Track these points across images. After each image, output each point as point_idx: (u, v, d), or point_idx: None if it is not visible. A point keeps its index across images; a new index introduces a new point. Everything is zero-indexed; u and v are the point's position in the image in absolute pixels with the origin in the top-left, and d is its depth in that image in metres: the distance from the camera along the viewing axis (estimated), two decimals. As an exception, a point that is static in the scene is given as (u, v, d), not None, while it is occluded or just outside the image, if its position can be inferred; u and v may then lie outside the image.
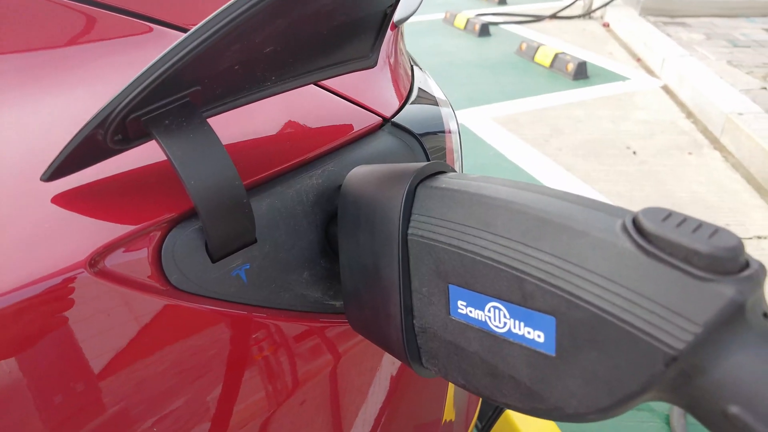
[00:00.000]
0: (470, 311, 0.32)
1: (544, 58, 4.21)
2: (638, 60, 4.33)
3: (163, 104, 0.35)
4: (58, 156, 0.34)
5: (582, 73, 3.90)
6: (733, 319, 0.22)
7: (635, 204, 2.44)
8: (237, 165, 0.41)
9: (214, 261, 0.39)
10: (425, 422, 0.65)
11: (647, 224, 0.24)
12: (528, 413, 0.30)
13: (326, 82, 0.52)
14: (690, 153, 2.90)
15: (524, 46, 4.47)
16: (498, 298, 0.30)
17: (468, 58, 4.54)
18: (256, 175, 0.42)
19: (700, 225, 0.24)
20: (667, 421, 1.46)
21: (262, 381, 0.43)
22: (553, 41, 4.78)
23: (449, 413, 0.70)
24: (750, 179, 2.63)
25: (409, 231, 0.35)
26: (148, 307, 0.37)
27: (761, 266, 0.23)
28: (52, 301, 0.34)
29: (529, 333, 0.29)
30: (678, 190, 2.56)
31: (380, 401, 0.55)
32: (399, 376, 0.57)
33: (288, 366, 0.44)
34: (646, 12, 5.02)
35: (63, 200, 0.37)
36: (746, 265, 0.23)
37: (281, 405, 0.45)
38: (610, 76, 3.97)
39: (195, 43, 0.31)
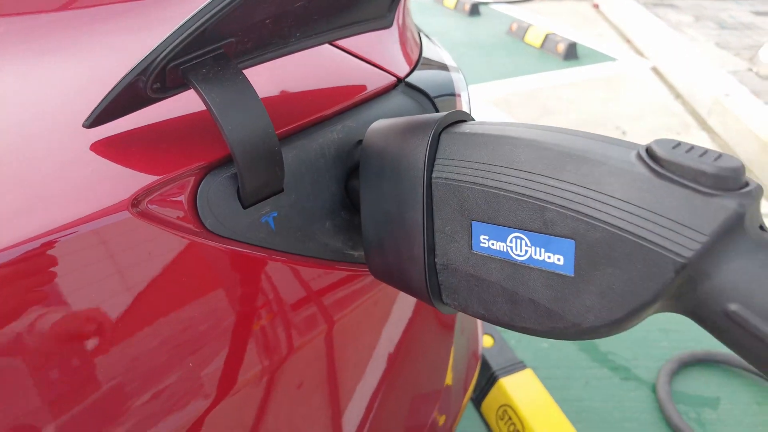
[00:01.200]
0: (492, 243, 0.35)
1: (534, 38, 4.23)
2: (628, 41, 4.36)
3: (200, 54, 0.37)
4: (99, 103, 0.36)
5: (572, 53, 3.93)
6: (734, 228, 0.25)
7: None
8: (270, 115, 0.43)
9: (245, 207, 0.42)
10: (428, 386, 0.69)
11: (659, 151, 0.27)
12: (544, 335, 0.33)
13: (341, 43, 0.54)
14: (678, 134, 2.96)
15: (515, 26, 4.48)
16: (520, 228, 0.33)
17: (459, 38, 4.54)
18: (283, 127, 0.44)
19: (705, 151, 0.27)
20: (653, 389, 1.52)
21: (284, 323, 0.46)
22: (544, 21, 4.79)
23: (448, 378, 0.73)
24: (735, 158, 2.69)
25: (434, 175, 0.37)
26: (186, 248, 0.39)
27: (758, 186, 0.26)
28: (98, 238, 0.36)
29: (549, 258, 0.31)
30: (665, 168, 2.61)
31: (386, 360, 0.58)
32: (408, 337, 0.60)
33: (308, 309, 0.47)
34: (636, -7, 5.04)
35: (105, 147, 0.38)
36: (746, 183, 0.26)
37: (302, 347, 0.47)
38: (600, 57, 4.00)
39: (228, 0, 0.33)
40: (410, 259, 0.41)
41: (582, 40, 4.30)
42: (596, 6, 5.32)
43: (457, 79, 0.62)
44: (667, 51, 3.69)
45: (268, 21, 0.39)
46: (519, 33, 4.40)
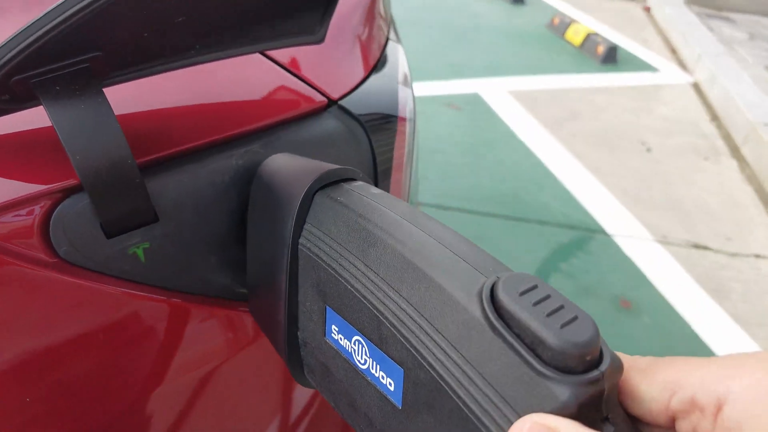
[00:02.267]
0: (340, 338, 0.30)
1: (574, 36, 4.04)
2: (673, 51, 4.14)
3: (55, 68, 0.32)
4: None
5: (611, 57, 3.75)
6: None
7: (638, 203, 2.38)
8: (145, 137, 0.38)
9: (108, 237, 0.37)
10: None
11: (502, 295, 0.22)
12: None
13: (273, 52, 0.48)
14: (706, 158, 2.81)
15: (557, 20, 4.29)
16: (362, 333, 0.28)
17: (496, 24, 4.37)
18: (167, 149, 0.39)
19: (561, 307, 0.21)
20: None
21: (153, 362, 0.42)
22: (588, 19, 4.57)
23: None
24: (762, 194, 2.55)
25: (300, 240, 0.33)
26: (33, 281, 0.35)
27: (614, 364, 0.21)
28: None
29: (383, 378, 0.27)
30: (685, 194, 2.49)
31: (281, 404, 0.54)
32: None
33: (181, 350, 0.43)
34: (692, 1, 4.77)
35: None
36: (597, 362, 0.21)
37: (171, 383, 0.44)
38: (639, 65, 3.81)
39: (74, 9, 0.28)
40: (276, 322, 0.36)
41: (624, 43, 4.09)
42: (647, 9, 5.06)
43: (404, 98, 0.56)
44: (712, 68, 3.49)
45: (146, 35, 0.34)
46: (560, 28, 4.22)
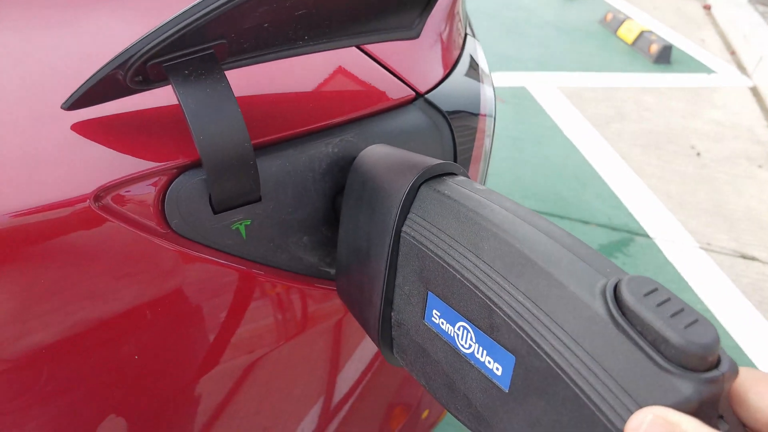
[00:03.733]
0: (442, 323, 0.32)
1: (627, 33, 3.93)
2: (732, 53, 3.98)
3: (185, 53, 0.35)
4: (78, 89, 0.35)
5: (665, 57, 3.63)
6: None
7: (684, 208, 2.33)
8: (254, 121, 0.41)
9: (215, 212, 0.40)
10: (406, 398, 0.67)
11: (627, 295, 0.23)
12: None
13: (367, 46, 0.50)
14: (760, 166, 2.72)
15: (610, 16, 4.17)
16: (469, 320, 0.30)
17: (547, 18, 4.28)
18: (271, 134, 0.42)
19: (681, 310, 0.22)
20: None
21: (248, 331, 0.45)
22: (643, 16, 4.43)
23: None
24: (816, 207, 2.46)
25: (404, 228, 0.35)
26: (146, 248, 0.38)
27: (731, 368, 0.22)
28: (54, 228, 0.35)
29: (489, 362, 0.29)
30: (734, 203, 2.42)
31: (362, 368, 0.57)
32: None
33: (273, 321, 0.46)
34: (758, 0, 4.56)
35: (81, 130, 0.38)
36: (716, 364, 0.22)
37: (265, 355, 0.47)
38: (694, 66, 3.68)
39: (219, 2, 0.30)
40: (369, 302, 0.38)
41: (680, 43, 3.96)
42: (707, 7, 4.86)
43: (485, 95, 0.58)
44: (773, 72, 3.34)
45: (266, 25, 0.36)
46: (612, 24, 4.10)
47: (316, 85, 0.46)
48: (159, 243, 0.39)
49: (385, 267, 0.36)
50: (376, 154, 0.40)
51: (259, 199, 0.42)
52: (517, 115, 2.88)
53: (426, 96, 0.51)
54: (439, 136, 0.51)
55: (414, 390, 0.69)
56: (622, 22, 4.01)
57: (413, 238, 0.34)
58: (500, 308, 0.27)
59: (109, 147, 0.37)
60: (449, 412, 0.33)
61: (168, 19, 0.31)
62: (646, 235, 2.16)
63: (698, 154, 2.74)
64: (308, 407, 0.54)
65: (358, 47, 0.49)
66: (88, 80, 0.34)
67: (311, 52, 0.42)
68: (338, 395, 0.56)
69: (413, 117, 0.50)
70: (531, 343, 0.26)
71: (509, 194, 2.23)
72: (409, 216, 0.35)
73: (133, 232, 0.38)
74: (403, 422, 0.68)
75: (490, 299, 0.28)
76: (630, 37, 3.88)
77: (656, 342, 0.22)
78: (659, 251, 2.08)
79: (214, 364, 0.44)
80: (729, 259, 2.09)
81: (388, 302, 0.37)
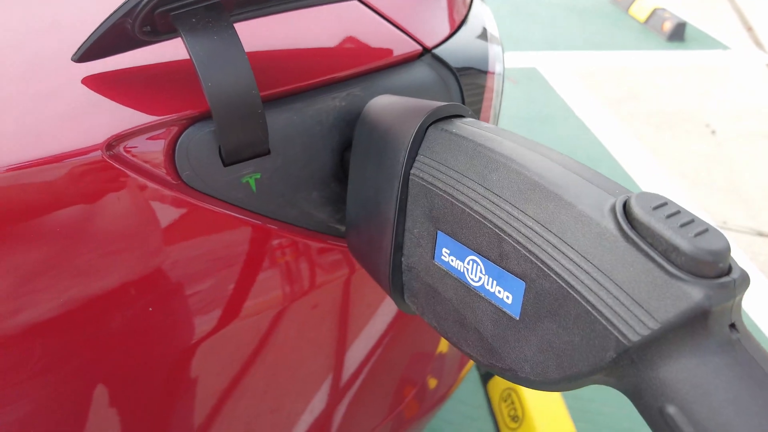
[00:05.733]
0: (452, 260, 0.32)
1: (639, 11, 3.86)
2: (749, 29, 3.89)
3: (193, 2, 0.35)
4: (87, 39, 0.35)
5: (679, 34, 3.56)
6: (693, 322, 0.21)
7: (698, 187, 2.30)
8: (261, 74, 0.41)
9: (225, 165, 0.41)
10: (421, 351, 0.68)
11: (636, 209, 0.23)
12: (486, 368, 0.31)
13: (375, 3, 0.50)
14: (776, 143, 2.66)
15: (622, -6, 4.10)
16: (478, 252, 0.30)
17: (558, -2, 4.22)
18: (278, 87, 0.42)
19: (691, 221, 0.22)
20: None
21: (256, 289, 0.45)
22: (657, -6, 4.34)
23: (443, 345, 0.72)
24: (836, 183, 2.41)
25: (412, 171, 0.35)
26: (157, 198, 0.39)
27: (743, 276, 0.22)
28: (66, 178, 0.36)
29: (499, 292, 0.29)
30: (750, 181, 2.38)
31: (379, 329, 0.58)
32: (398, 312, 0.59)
33: (282, 278, 0.46)
34: (773, -25, 4.44)
35: (92, 82, 0.38)
36: (727, 271, 0.22)
37: (274, 316, 0.47)
38: (709, 43, 3.61)
39: None
40: (379, 250, 0.38)
41: (694, 20, 3.88)
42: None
43: (494, 53, 0.57)
44: (790, 48, 3.26)
45: (272, -28, 0.36)
46: (624, 2, 4.03)
47: (321, 40, 0.46)
48: (170, 194, 0.39)
49: (394, 212, 0.36)
50: (382, 103, 0.40)
51: (268, 152, 0.42)
52: (528, 95, 2.85)
53: (433, 51, 0.50)
54: (446, 92, 0.50)
55: (423, 365, 0.69)
56: (634, 0, 3.94)
57: (422, 179, 0.34)
58: (509, 235, 0.27)
59: (119, 99, 0.38)
60: (460, 350, 0.33)
61: None
62: (661, 214, 2.13)
63: (713, 132, 2.70)
64: (317, 382, 0.54)
65: (362, 1, 0.49)
66: (96, 30, 0.34)
67: (316, 4, 0.42)
68: (348, 368, 0.56)
69: (420, 72, 0.49)
70: (541, 265, 0.25)
71: (520, 174, 2.21)
72: (417, 158, 0.35)
73: (145, 182, 0.38)
74: (412, 393, 0.68)
75: (499, 228, 0.28)
76: (642, 15, 3.81)
77: (667, 252, 0.22)
78: (674, 229, 2.05)
79: (222, 324, 0.45)
80: (746, 238, 2.06)
81: (398, 247, 0.37)
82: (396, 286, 0.38)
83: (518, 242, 0.27)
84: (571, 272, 0.24)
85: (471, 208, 0.29)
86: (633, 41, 3.58)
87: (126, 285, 0.39)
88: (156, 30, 0.36)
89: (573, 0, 4.20)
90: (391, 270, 0.37)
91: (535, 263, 0.26)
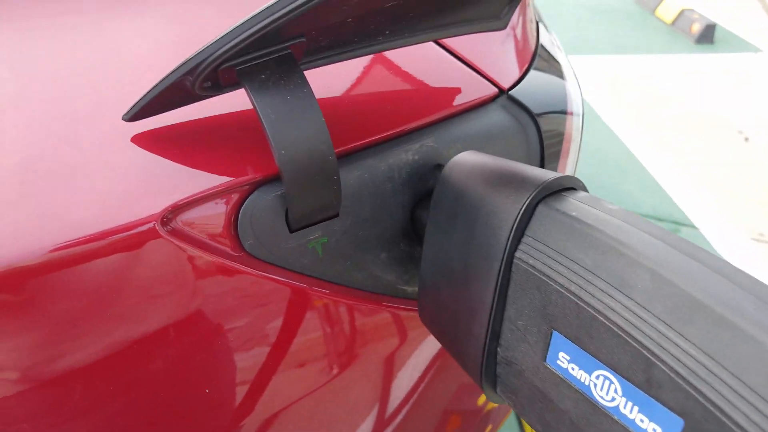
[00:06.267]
0: (572, 368, 0.27)
1: (666, 12, 3.76)
2: (778, 31, 3.78)
3: (261, 54, 0.30)
4: (142, 98, 0.31)
5: (708, 36, 3.46)
6: None
7: (732, 197, 2.22)
8: (331, 129, 0.36)
9: (291, 231, 0.36)
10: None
11: None
12: None
13: (443, 40, 0.45)
14: (812, 150, 2.57)
15: (647, -6, 4.00)
16: (614, 370, 0.25)
17: (582, 0, 4.13)
18: (349, 143, 0.37)
19: None
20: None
21: (322, 353, 0.41)
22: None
23: None
24: None
25: (518, 255, 0.30)
26: (219, 271, 0.35)
27: None
28: (120, 255, 0.31)
29: (642, 422, 0.24)
30: (787, 190, 2.29)
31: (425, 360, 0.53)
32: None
33: (348, 343, 0.42)
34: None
35: (143, 144, 0.34)
36: None
37: (334, 379, 0.43)
38: (739, 45, 3.50)
39: (300, 2, 0.26)
40: (468, 334, 0.34)
41: (724, 21, 3.77)
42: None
43: (572, 91, 0.52)
44: (825, 50, 3.16)
45: (350, 20, 0.32)
46: (650, 4, 3.93)
47: (393, 86, 0.41)
48: (232, 266, 0.35)
49: (492, 297, 0.31)
50: (469, 162, 0.36)
51: (337, 215, 0.38)
52: (552, 101, 2.78)
53: (510, 92, 0.45)
54: (524, 138, 0.46)
55: (472, 397, 0.64)
56: (660, 1, 3.84)
57: (532, 266, 0.29)
58: (663, 361, 0.22)
59: (173, 161, 0.33)
60: None
61: (246, 18, 0.27)
62: (693, 226, 2.06)
63: (746, 139, 2.61)
64: (363, 416, 0.50)
65: (435, 41, 0.44)
66: (153, 88, 0.30)
67: (390, 49, 0.38)
68: (393, 403, 0.52)
69: (496, 117, 0.44)
70: (709, 406, 0.21)
71: (548, 185, 2.15)
72: (523, 240, 0.30)
73: (205, 256, 0.34)
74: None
75: (648, 350, 0.23)
76: (669, 17, 3.72)
77: None
78: (707, 243, 1.98)
79: (285, 387, 0.41)
80: (784, 251, 1.98)
81: (495, 336, 0.32)
82: (488, 377, 0.33)
83: (677, 373, 0.22)
84: (753, 422, 0.19)
85: (607, 317, 0.25)
86: (660, 44, 3.49)
87: (188, 366, 0.35)
88: (218, 84, 0.32)
89: (597, 2, 4.11)
90: (484, 359, 0.33)
91: (702, 402, 0.21)
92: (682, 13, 3.64)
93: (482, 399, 0.65)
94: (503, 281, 0.31)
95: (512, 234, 0.30)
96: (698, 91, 2.98)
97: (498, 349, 0.32)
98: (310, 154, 0.31)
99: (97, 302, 0.31)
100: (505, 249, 0.30)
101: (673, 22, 3.67)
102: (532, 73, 0.49)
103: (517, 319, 0.30)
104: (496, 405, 0.70)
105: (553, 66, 0.53)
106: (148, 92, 0.31)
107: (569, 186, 0.31)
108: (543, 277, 0.28)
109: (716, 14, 3.87)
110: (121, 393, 0.34)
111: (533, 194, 0.30)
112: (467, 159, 0.36)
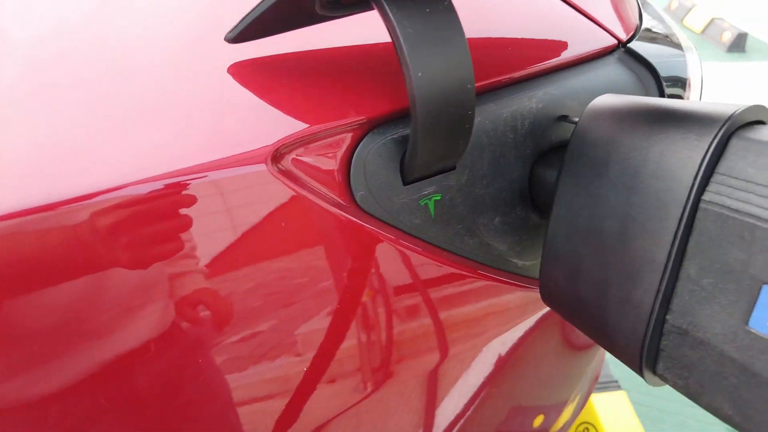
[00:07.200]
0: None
1: (695, 21, 3.70)
2: (810, 41, 3.70)
3: None
4: (250, 12, 0.27)
5: (739, 45, 3.40)
6: None
7: None
8: None
9: (405, 183, 0.32)
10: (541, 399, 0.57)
11: None
12: None
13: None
14: None
15: (675, 3, 3.95)
16: None
17: (606, 8, 4.08)
18: (477, 81, 0.33)
19: None
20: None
21: (428, 324, 0.36)
22: (712, 2, 4.17)
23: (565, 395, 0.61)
24: None
25: (706, 197, 0.25)
26: (327, 222, 0.30)
27: None
28: (226, 192, 0.27)
29: None
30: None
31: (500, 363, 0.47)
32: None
33: (450, 317, 0.37)
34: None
35: (247, 75, 0.29)
36: None
37: (429, 351, 0.38)
38: (771, 55, 3.43)
39: None
40: (623, 303, 0.29)
41: (756, 30, 3.70)
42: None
43: (692, 60, 0.47)
44: None
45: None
46: (678, 13, 3.88)
47: (511, 32, 0.36)
48: (341, 217, 0.30)
49: (668, 253, 0.26)
50: (616, 105, 0.31)
51: (454, 167, 0.33)
52: (582, 107, 2.74)
53: (628, 45, 0.41)
54: (644, 93, 0.41)
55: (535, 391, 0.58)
56: (689, 10, 3.80)
57: (729, 207, 0.24)
58: None
59: (284, 99, 0.29)
60: None
61: None
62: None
63: (785, 147, 2.53)
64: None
65: None
66: (263, 1, 0.26)
67: None
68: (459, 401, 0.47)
69: (613, 70, 0.40)
70: None
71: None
72: (713, 180, 0.25)
73: (317, 202, 0.29)
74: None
75: None
76: (698, 26, 3.66)
77: None
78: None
79: (377, 366, 0.36)
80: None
81: (664, 302, 0.27)
82: (649, 353, 0.28)
83: None
84: None
85: None
86: (689, 52, 3.42)
87: (284, 318, 0.30)
88: (340, 3, 0.28)
89: (623, 9, 4.06)
90: (648, 332, 0.27)
91: None
92: (712, 21, 3.58)
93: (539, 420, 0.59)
94: (684, 233, 0.25)
95: (700, 173, 0.25)
96: (732, 99, 2.91)
97: (667, 316, 0.27)
98: (450, 80, 0.26)
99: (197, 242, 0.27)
100: (690, 192, 0.25)
101: (703, 31, 3.62)
102: (643, 33, 0.44)
103: (701, 278, 0.25)
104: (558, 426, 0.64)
105: (662, 33, 0.48)
106: (257, 5, 0.26)
107: (759, 119, 0.26)
108: (747, 219, 0.23)
109: (746, 23, 3.81)
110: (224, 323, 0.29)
111: (725, 126, 0.25)
112: (611, 102, 0.32)
